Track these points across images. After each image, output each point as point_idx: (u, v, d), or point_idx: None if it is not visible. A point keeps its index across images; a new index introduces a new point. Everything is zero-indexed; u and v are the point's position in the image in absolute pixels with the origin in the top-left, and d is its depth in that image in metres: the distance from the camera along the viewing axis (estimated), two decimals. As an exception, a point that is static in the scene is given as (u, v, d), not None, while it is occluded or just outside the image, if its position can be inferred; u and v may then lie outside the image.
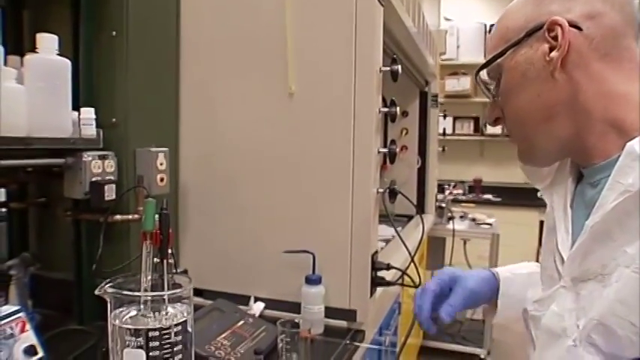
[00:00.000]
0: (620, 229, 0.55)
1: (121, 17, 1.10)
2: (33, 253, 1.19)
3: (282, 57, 1.19)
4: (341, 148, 1.16)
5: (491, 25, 4.16)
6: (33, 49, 0.92)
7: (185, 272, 1.24)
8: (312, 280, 1.14)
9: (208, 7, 1.28)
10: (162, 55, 1.26)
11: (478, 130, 4.73)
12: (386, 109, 1.22)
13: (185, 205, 1.33)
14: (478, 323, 3.06)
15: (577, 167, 0.69)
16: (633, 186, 0.53)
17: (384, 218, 1.28)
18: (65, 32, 1.06)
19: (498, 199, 4.37)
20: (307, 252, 1.15)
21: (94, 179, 1.03)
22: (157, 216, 0.74)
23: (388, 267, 1.22)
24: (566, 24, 0.60)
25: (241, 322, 1.06)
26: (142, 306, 0.72)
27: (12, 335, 0.76)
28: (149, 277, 0.73)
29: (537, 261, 0.80)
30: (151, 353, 0.68)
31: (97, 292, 0.70)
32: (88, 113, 1.02)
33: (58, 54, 0.93)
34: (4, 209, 1.25)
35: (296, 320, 0.96)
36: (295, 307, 1.17)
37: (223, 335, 0.99)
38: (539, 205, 3.15)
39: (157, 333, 0.68)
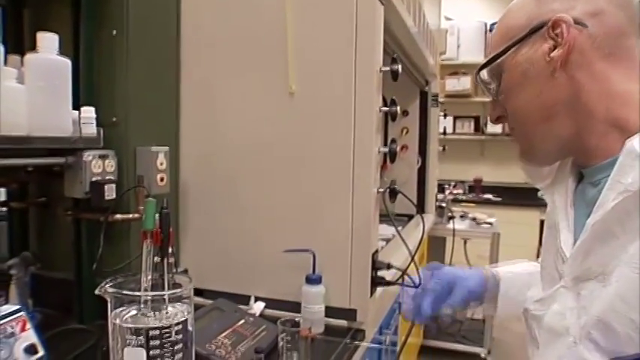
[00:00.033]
0: (621, 228, 0.55)
1: (122, 16, 1.10)
2: (33, 252, 1.19)
3: (283, 56, 1.19)
4: (341, 148, 1.16)
5: (492, 25, 4.17)
6: (33, 48, 0.92)
7: (185, 272, 1.24)
8: (313, 280, 1.13)
9: (209, 6, 1.28)
10: (162, 54, 1.26)
11: (478, 129, 4.73)
12: (386, 109, 1.22)
13: (185, 205, 1.33)
14: (478, 323, 3.06)
15: (577, 167, 0.69)
16: (633, 185, 0.53)
17: (385, 218, 1.28)
18: (65, 31, 1.06)
19: (499, 199, 4.36)
20: (308, 251, 1.15)
21: (94, 179, 1.03)
22: (157, 215, 0.75)
23: (388, 266, 1.21)
24: (571, 21, 0.60)
25: (242, 322, 1.06)
26: (142, 305, 0.72)
27: (12, 334, 0.76)
28: (149, 277, 0.74)
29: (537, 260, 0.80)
30: (151, 352, 0.68)
31: (97, 291, 0.71)
32: (89, 112, 1.02)
33: (58, 53, 0.93)
34: (4, 209, 1.25)
35: (296, 319, 0.96)
36: (296, 307, 1.17)
37: (224, 334, 0.99)
38: (540, 204, 3.14)
39: (157, 332, 0.68)
